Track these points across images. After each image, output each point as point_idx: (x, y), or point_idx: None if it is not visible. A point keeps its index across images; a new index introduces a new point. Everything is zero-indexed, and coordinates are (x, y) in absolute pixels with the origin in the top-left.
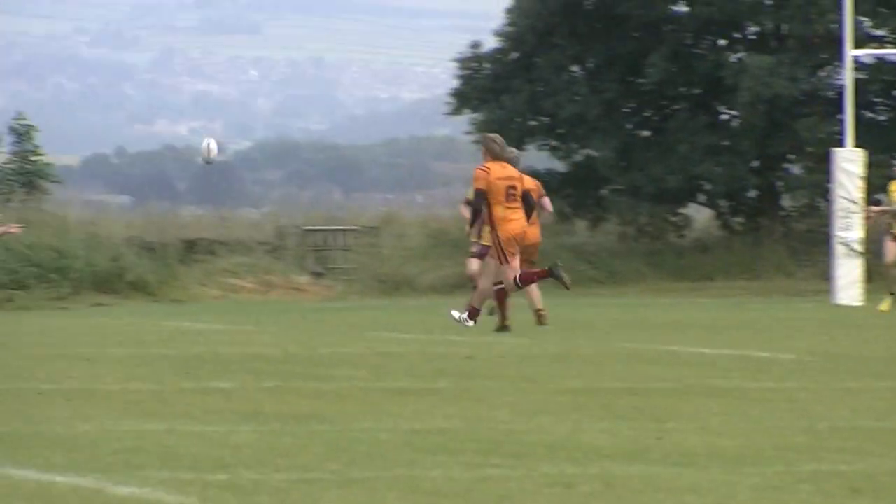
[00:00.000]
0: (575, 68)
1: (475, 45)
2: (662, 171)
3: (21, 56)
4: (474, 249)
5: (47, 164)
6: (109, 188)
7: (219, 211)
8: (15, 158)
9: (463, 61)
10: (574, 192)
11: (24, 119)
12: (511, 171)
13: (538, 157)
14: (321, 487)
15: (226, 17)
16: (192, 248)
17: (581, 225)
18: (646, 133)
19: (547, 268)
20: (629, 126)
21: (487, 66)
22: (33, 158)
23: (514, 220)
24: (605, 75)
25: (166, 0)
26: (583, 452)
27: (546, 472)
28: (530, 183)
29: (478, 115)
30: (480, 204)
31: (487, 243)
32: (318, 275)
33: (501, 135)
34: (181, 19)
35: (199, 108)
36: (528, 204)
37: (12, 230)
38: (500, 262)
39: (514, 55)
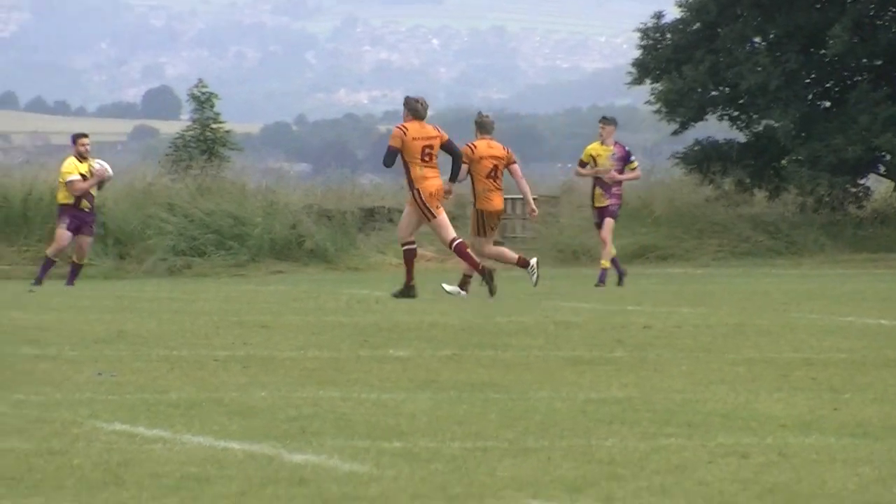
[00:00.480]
0: (757, 39)
1: (658, 15)
2: (843, 141)
3: (203, 24)
4: (596, 219)
5: (227, 132)
6: (289, 156)
7: (397, 179)
8: (195, 126)
9: (645, 31)
10: (753, 162)
11: (205, 87)
12: (429, 130)
13: (718, 126)
14: (496, 456)
15: None
16: (370, 217)
17: (760, 195)
18: (826, 104)
19: (482, 266)
20: (810, 97)
21: (669, 36)
22: (214, 126)
23: (430, 178)
24: (787, 46)
25: None
26: (758, 422)
27: (721, 441)
28: (499, 150)
29: (659, 86)
30: (390, 160)
31: (600, 204)
32: (496, 244)
33: (682, 105)
34: None
35: (379, 77)
36: (455, 162)
37: (101, 173)
38: (427, 219)
39: (696, 25)
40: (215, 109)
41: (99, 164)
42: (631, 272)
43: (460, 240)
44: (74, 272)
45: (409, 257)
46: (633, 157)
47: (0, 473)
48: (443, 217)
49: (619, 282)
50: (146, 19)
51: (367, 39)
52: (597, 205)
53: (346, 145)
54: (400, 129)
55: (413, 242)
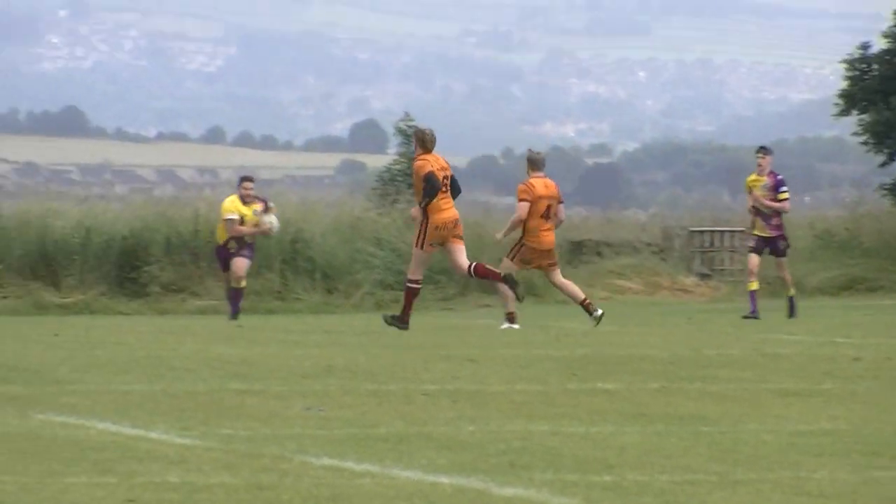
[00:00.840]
0: None
1: (864, 46)
2: None
3: (408, 57)
4: (751, 244)
5: None
6: (497, 189)
7: (605, 212)
8: (402, 160)
9: (851, 62)
10: None
11: (412, 120)
12: (442, 161)
13: None
14: (706, 489)
15: (614, 18)
16: (578, 250)
17: None
18: None
19: (504, 274)
20: None
21: (876, 66)
22: None
23: (446, 210)
24: None
25: (555, 2)
26: None
27: None
28: (553, 189)
29: (866, 117)
30: (437, 183)
31: (761, 233)
32: (704, 276)
33: (889, 136)
34: (569, 21)
35: (586, 109)
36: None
37: (265, 227)
38: (417, 246)
39: None
40: None
41: (269, 221)
42: (839, 304)
43: (475, 262)
44: (236, 299)
45: (410, 295)
46: (783, 188)
47: None
48: (455, 246)
49: (748, 315)
50: (352, 52)
51: (573, 72)
52: (756, 232)
53: (552, 178)
54: (424, 160)
55: (414, 280)
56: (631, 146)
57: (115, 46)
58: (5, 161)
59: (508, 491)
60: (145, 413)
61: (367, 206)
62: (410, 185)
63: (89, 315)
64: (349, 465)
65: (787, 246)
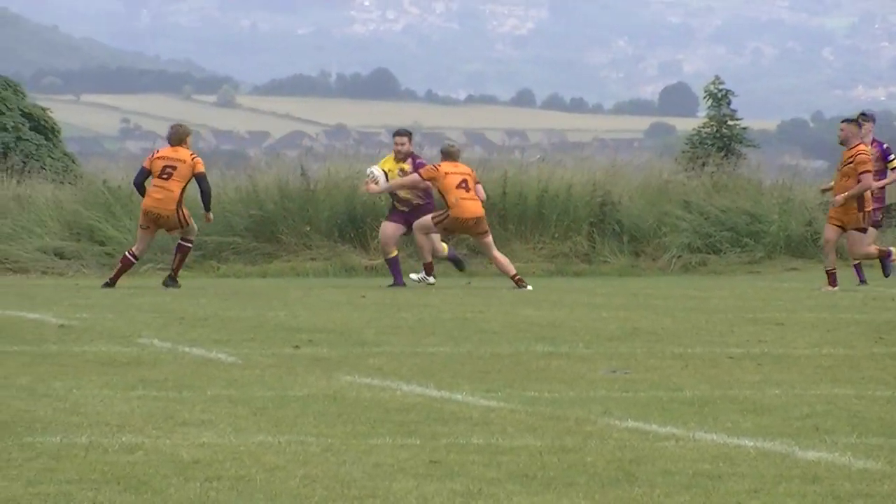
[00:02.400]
0: None
1: None
2: None
3: (719, 21)
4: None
5: (743, 129)
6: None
7: None
8: (712, 122)
9: None
10: None
11: (722, 83)
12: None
13: None
14: None
15: None
16: (888, 213)
17: None
18: None
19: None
20: None
21: None
22: (730, 123)
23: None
24: None
25: None
26: None
27: None
28: (462, 167)
29: None
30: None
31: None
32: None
33: None
34: None
35: None
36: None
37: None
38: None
39: None
40: (731, 106)
41: (369, 171)
42: None
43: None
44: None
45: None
46: (891, 156)
47: (513, 470)
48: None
49: (861, 282)
50: (663, 16)
51: (884, 35)
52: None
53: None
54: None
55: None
56: None
57: (425, 9)
58: (316, 123)
59: (812, 454)
60: (450, 375)
61: (675, 169)
62: (720, 149)
63: None
64: (653, 427)
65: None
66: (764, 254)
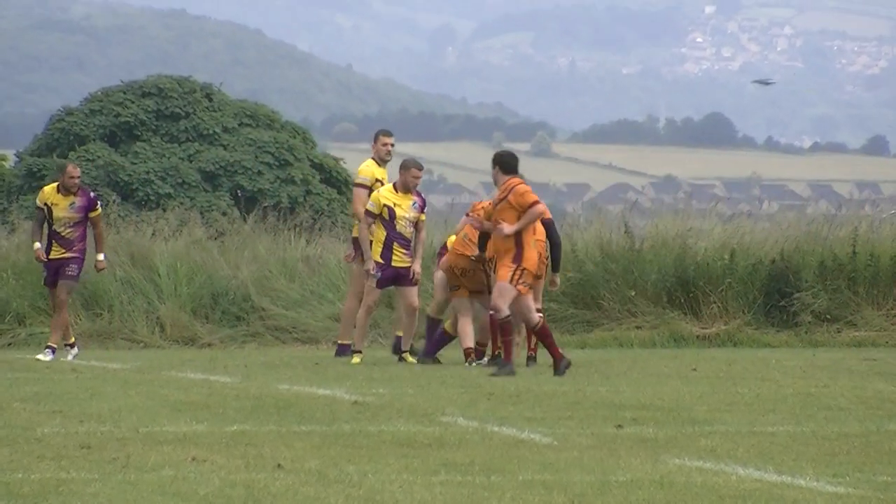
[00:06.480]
0: None
1: None
2: None
3: None
4: None
5: None
6: None
7: None
8: None
9: None
10: None
11: None
12: None
13: None
14: None
15: None
16: None
17: None
18: None
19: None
20: None
21: None
22: None
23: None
24: None
25: None
26: None
27: None
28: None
29: None
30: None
31: None
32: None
33: None
34: None
35: None
36: None
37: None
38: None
39: None
40: None
41: None
42: None
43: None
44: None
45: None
46: None
47: None
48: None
49: None
50: None
51: None
52: None
53: None
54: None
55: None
56: None
57: (766, 46)
58: (642, 174)
59: None
60: (792, 457)
61: None
62: None
63: (731, 347)
64: None
65: None
66: None
